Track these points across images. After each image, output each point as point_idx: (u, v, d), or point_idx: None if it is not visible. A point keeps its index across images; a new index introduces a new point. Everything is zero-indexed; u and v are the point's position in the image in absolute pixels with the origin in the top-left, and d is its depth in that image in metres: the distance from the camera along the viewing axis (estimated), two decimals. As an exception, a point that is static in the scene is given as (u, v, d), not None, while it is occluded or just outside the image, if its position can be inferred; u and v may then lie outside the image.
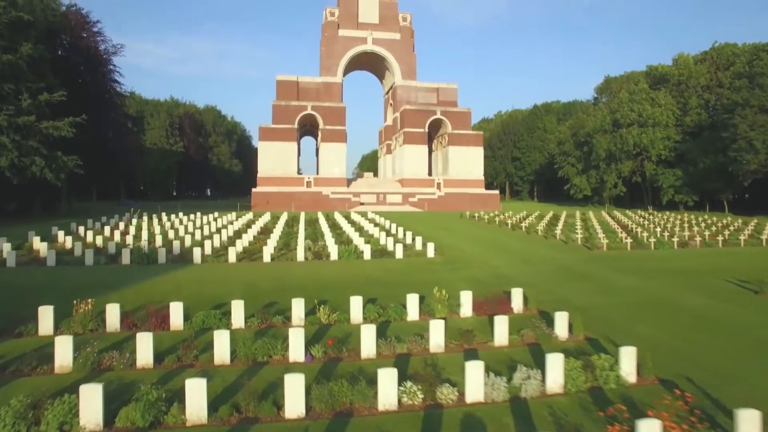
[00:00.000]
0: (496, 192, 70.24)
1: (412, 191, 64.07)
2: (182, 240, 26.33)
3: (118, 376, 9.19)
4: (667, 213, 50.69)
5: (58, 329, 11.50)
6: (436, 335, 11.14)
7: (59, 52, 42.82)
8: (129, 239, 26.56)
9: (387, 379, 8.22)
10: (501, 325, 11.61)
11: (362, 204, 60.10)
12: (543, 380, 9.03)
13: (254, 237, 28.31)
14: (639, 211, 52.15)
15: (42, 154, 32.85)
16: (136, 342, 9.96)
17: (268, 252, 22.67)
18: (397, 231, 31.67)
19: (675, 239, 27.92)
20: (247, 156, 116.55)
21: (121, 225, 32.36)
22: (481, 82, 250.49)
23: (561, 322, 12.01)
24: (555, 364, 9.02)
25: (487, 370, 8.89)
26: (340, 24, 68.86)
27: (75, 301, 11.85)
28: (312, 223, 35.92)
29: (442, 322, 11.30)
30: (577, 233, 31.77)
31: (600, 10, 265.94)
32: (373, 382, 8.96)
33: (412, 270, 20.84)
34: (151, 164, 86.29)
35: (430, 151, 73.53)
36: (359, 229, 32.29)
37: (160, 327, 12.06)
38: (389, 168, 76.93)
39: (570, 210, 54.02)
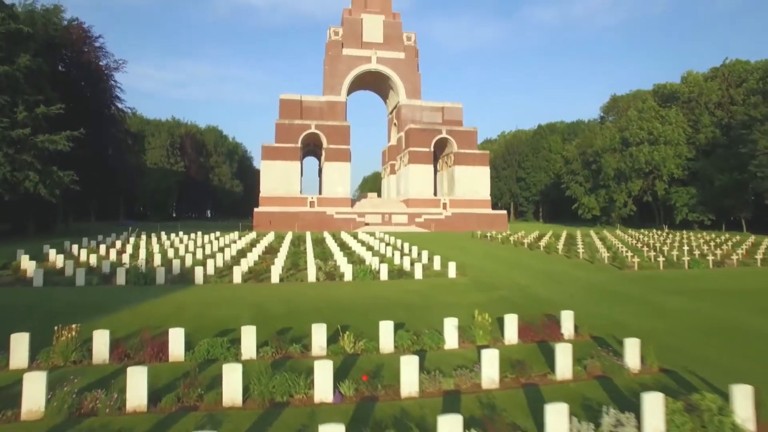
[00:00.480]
0: (504, 212, 68.54)
1: (418, 211, 62.43)
2: (182, 259, 24.49)
3: (102, 423, 7.28)
4: (684, 232, 48.91)
5: (34, 361, 9.60)
6: (489, 368, 9.27)
7: (60, 67, 41.71)
8: (125, 258, 24.72)
9: (450, 430, 6.35)
10: (563, 355, 9.74)
11: (367, 224, 58.40)
12: (638, 427, 7.16)
13: (259, 256, 26.53)
14: (654, 231, 50.37)
15: (36, 169, 31.21)
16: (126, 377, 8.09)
17: (276, 272, 20.82)
18: (410, 251, 29.87)
19: (710, 258, 26.11)
20: (248, 177, 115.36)
21: (118, 244, 30.54)
22: (482, 104, 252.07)
23: (632, 351, 10.14)
24: (654, 406, 7.15)
25: (566, 413, 7.02)
26: (344, 43, 68.36)
27: (56, 327, 9.97)
28: (319, 243, 34.13)
29: (496, 352, 9.43)
30: (600, 252, 30.01)
31: (599, 32, 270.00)
32: (424, 430, 7.14)
33: (436, 291, 18.98)
34: (151, 184, 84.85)
35: (435, 171, 72.20)
36: (370, 249, 30.49)
37: (157, 357, 10.19)
38: (393, 188, 75.52)
39: (584, 230, 52.27)
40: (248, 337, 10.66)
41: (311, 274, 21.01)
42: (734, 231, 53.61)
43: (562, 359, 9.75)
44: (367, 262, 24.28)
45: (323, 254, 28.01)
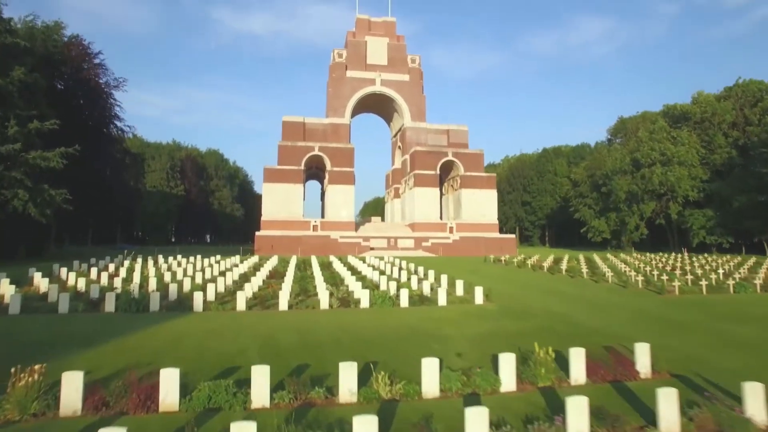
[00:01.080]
0: (513, 236, 66.56)
1: (425, 235, 60.43)
2: (180, 284, 22.27)
3: None
4: (705, 255, 46.81)
5: (-19, 414, 7.40)
6: (578, 420, 7.08)
7: (59, 84, 40.30)
8: (117, 282, 22.52)
9: None
10: (668, 403, 7.55)
11: (372, 249, 56.31)
12: None
13: (264, 281, 24.39)
14: (674, 254, 48.26)
15: (26, 187, 29.24)
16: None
17: (284, 298, 18.64)
18: (426, 275, 27.70)
19: (756, 282, 23.98)
20: (249, 201, 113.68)
21: (111, 267, 28.34)
22: (485, 129, 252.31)
23: (755, 398, 7.92)
24: None
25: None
26: (348, 65, 67.65)
27: (13, 369, 7.76)
28: (326, 267, 32.00)
29: (585, 399, 7.25)
30: (628, 275, 27.89)
31: (599, 59, 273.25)
32: None
33: (466, 320, 16.77)
34: (150, 207, 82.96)
35: (441, 195, 70.48)
36: (382, 273, 28.33)
37: (144, 406, 7.97)
38: (398, 212, 73.65)
39: (600, 253, 50.16)
40: (260, 379, 8.46)
41: (323, 301, 18.82)
42: (756, 254, 51.47)
43: (667, 408, 7.56)
44: (383, 287, 22.13)
45: (333, 279, 25.89)
